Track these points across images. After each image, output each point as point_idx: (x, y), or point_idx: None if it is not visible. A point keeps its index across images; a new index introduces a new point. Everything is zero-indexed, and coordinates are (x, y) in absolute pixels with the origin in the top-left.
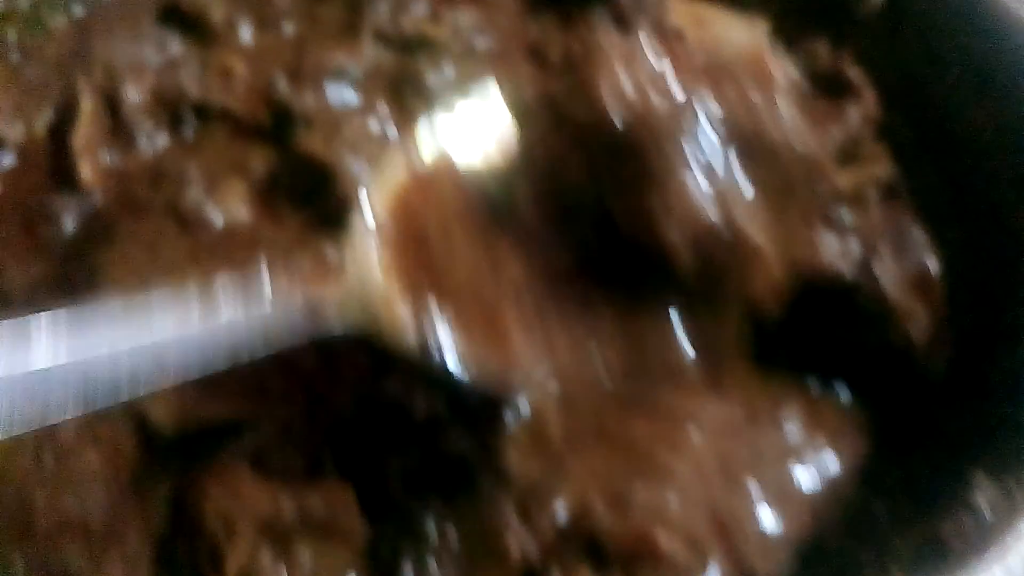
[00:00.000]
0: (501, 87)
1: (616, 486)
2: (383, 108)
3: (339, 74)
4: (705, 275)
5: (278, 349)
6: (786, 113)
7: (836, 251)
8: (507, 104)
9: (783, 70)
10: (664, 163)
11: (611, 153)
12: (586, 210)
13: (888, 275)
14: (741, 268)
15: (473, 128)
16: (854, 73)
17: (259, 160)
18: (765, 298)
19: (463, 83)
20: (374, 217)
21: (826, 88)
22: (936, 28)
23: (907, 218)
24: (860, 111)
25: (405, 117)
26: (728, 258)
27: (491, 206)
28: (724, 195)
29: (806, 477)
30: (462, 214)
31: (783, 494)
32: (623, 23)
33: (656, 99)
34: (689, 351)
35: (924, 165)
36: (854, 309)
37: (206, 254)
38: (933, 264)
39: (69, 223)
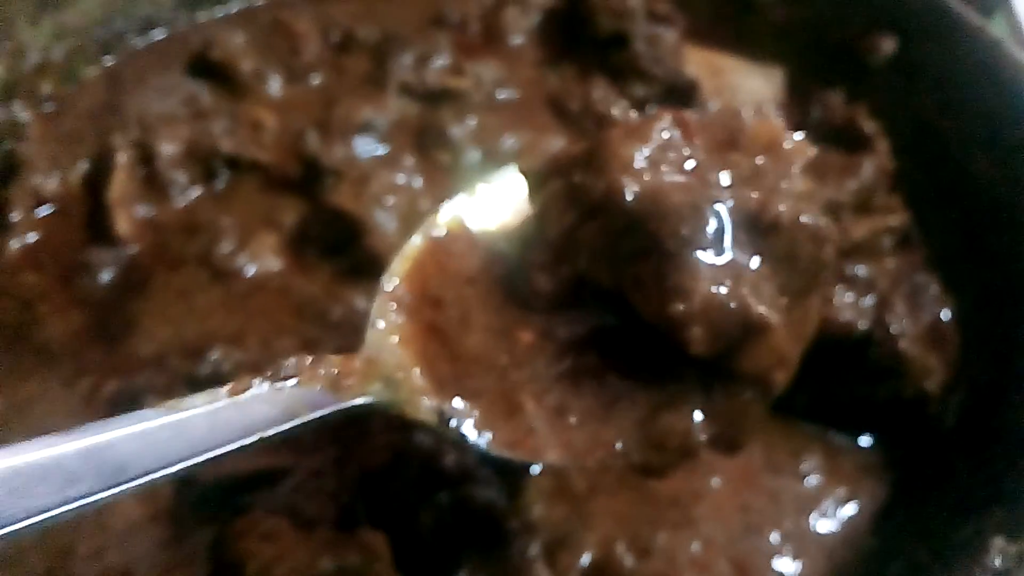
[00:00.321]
0: (519, 157)
1: (639, 532)
2: (408, 160)
3: (366, 127)
4: (716, 349)
5: (304, 424)
6: (795, 187)
7: (850, 306)
8: (524, 174)
9: (799, 145)
10: (673, 239)
11: (622, 227)
12: (600, 282)
13: (901, 330)
14: (750, 342)
15: (491, 198)
16: (868, 125)
17: (290, 212)
18: (774, 371)
19: (486, 134)
20: (394, 292)
21: (841, 139)
22: (949, 79)
23: (921, 268)
24: (874, 163)
25: (430, 168)
26: (737, 332)
27: (508, 276)
28: (731, 270)
29: (825, 525)
30: (480, 286)
31: (802, 541)
32: (639, 74)
33: (667, 175)
34: (705, 424)
35: (938, 214)
36: (868, 363)
37: (238, 303)
38: (946, 315)
39: (106, 274)
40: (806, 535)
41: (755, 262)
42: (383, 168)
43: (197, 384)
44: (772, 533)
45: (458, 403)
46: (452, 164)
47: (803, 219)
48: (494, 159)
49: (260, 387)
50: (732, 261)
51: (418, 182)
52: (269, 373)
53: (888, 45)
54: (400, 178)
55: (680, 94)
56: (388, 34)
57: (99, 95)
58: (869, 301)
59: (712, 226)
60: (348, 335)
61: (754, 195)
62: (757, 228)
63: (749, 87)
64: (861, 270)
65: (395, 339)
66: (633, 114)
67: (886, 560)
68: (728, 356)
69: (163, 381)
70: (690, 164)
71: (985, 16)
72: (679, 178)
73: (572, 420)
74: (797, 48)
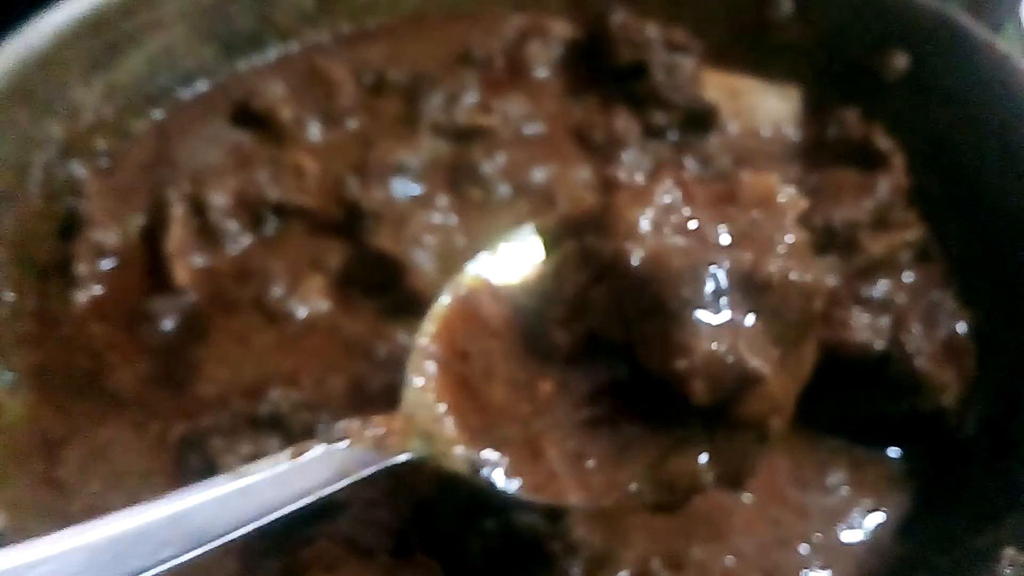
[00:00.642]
0: (536, 222)
1: (673, 547)
2: (443, 199)
3: (401, 168)
4: (716, 399)
5: (352, 482)
6: (788, 240)
7: (867, 326)
8: (539, 232)
9: (791, 199)
10: (675, 300)
11: (629, 288)
12: (612, 338)
13: (917, 348)
14: (747, 392)
15: (511, 256)
16: (884, 142)
17: (334, 255)
18: (770, 416)
19: (515, 169)
20: (426, 349)
21: (857, 156)
22: (960, 94)
23: (938, 282)
24: (890, 180)
25: (463, 205)
26: (735, 384)
27: (528, 330)
28: (728, 327)
29: (852, 535)
30: (503, 339)
31: (830, 552)
32: (659, 102)
33: (669, 237)
34: (710, 465)
35: (955, 227)
36: (886, 380)
37: (291, 344)
38: (962, 328)
39: (168, 322)
40: (834, 546)
41: (750, 318)
42: (419, 208)
43: (258, 424)
44: (801, 545)
45: (488, 453)
46: (484, 200)
47: (792, 277)
48: (524, 193)
49: (316, 450)
50: (729, 319)
51: (453, 220)
52: (324, 436)
53: (901, 61)
54: (436, 217)
55: (699, 119)
56: (418, 74)
57: (150, 148)
58: (885, 321)
59: (710, 287)
60: (393, 371)
61: (747, 256)
62: (751, 287)
63: (767, 107)
64: (877, 291)
65: (430, 396)
66: (638, 176)
67: (910, 569)
68: (728, 404)
69: (226, 422)
70: (691, 225)
71: (995, 31)
72: (680, 240)
73: (590, 464)
74: (813, 67)
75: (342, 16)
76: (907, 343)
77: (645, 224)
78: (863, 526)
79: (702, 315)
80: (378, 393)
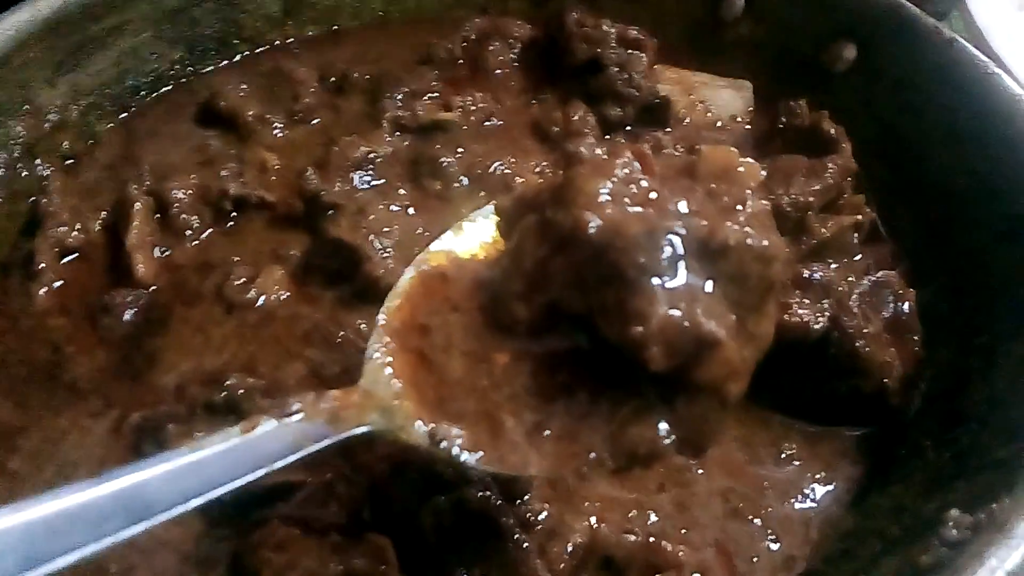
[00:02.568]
0: (496, 202)
1: (627, 520)
2: (402, 190)
3: (362, 162)
4: (674, 365)
5: (307, 455)
6: (749, 209)
7: (807, 308)
8: (498, 211)
9: (750, 168)
10: (632, 267)
11: (588, 257)
12: (571, 308)
13: (857, 329)
14: (704, 357)
15: (474, 234)
16: (832, 129)
17: (295, 245)
18: (728, 381)
19: (474, 162)
20: (387, 325)
21: (808, 144)
22: (907, 80)
23: (886, 263)
24: (839, 164)
25: (423, 197)
26: (691, 349)
27: (488, 304)
28: (685, 293)
29: (804, 507)
30: (463, 313)
31: (783, 523)
32: (615, 97)
33: (627, 207)
34: (669, 432)
35: (903, 209)
36: (828, 361)
37: (250, 333)
38: (908, 307)
39: (128, 313)
40: (787, 517)
41: (708, 285)
42: (379, 199)
43: (214, 410)
44: (755, 518)
45: (446, 426)
46: (443, 191)
47: (749, 242)
48: (482, 184)
49: (268, 424)
50: (686, 285)
51: (412, 210)
52: (276, 410)
53: (849, 53)
54: (395, 208)
55: (654, 113)
56: (380, 74)
57: (115, 148)
58: (827, 303)
59: (667, 253)
60: (352, 357)
61: (703, 223)
62: (708, 253)
63: (721, 101)
64: (820, 273)
65: (388, 370)
66: (599, 151)
67: (862, 537)
68: (685, 370)
69: (184, 410)
70: (651, 195)
71: (940, 18)
72: (638, 210)
73: (549, 434)
74: (764, 62)
75: (308, 20)
76: (847, 324)
77: (604, 195)
78: (815, 498)
79: (658, 281)
80: (335, 378)
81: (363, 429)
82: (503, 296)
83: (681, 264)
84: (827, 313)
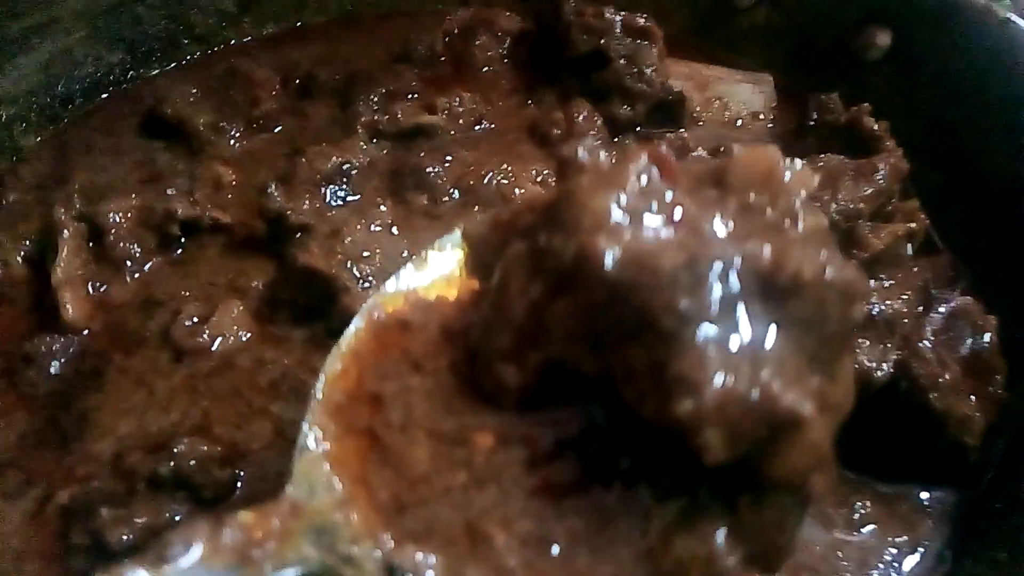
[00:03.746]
0: (465, 227)
1: None
2: (383, 207)
3: (334, 175)
4: (738, 454)
5: None
6: (801, 230)
7: (868, 353)
8: (467, 239)
9: (799, 174)
10: (669, 314)
11: (603, 300)
12: (580, 370)
13: (930, 378)
14: (780, 441)
15: (441, 268)
16: (875, 125)
17: (256, 275)
18: (811, 474)
19: (464, 171)
20: (327, 400)
21: (845, 143)
22: (953, 69)
23: (943, 277)
24: (890, 164)
25: (407, 213)
26: (763, 431)
27: (461, 363)
28: (747, 349)
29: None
30: (426, 375)
31: None
32: (623, 93)
33: (652, 230)
34: (731, 545)
35: (956, 215)
36: (895, 414)
37: (203, 386)
38: (988, 339)
39: (54, 365)
40: None
41: (771, 335)
42: (356, 218)
43: (160, 486)
44: None
45: (409, 549)
46: (431, 207)
47: (830, 274)
48: (476, 198)
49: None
50: (747, 338)
51: (395, 230)
52: (152, 554)
53: (883, 39)
54: (375, 228)
55: (667, 111)
56: (351, 74)
57: (43, 166)
58: (891, 343)
59: (717, 293)
60: None
61: (764, 249)
62: (773, 291)
63: (739, 97)
64: (880, 306)
65: (327, 466)
66: (603, 154)
67: None
68: (754, 461)
69: (122, 486)
70: (677, 213)
71: None
72: (667, 233)
73: (557, 551)
74: (786, 51)
75: (267, 16)
76: (918, 372)
77: (617, 213)
78: (900, 569)
79: (709, 334)
80: None
81: (292, 572)
82: (484, 353)
83: (740, 308)
84: (893, 357)
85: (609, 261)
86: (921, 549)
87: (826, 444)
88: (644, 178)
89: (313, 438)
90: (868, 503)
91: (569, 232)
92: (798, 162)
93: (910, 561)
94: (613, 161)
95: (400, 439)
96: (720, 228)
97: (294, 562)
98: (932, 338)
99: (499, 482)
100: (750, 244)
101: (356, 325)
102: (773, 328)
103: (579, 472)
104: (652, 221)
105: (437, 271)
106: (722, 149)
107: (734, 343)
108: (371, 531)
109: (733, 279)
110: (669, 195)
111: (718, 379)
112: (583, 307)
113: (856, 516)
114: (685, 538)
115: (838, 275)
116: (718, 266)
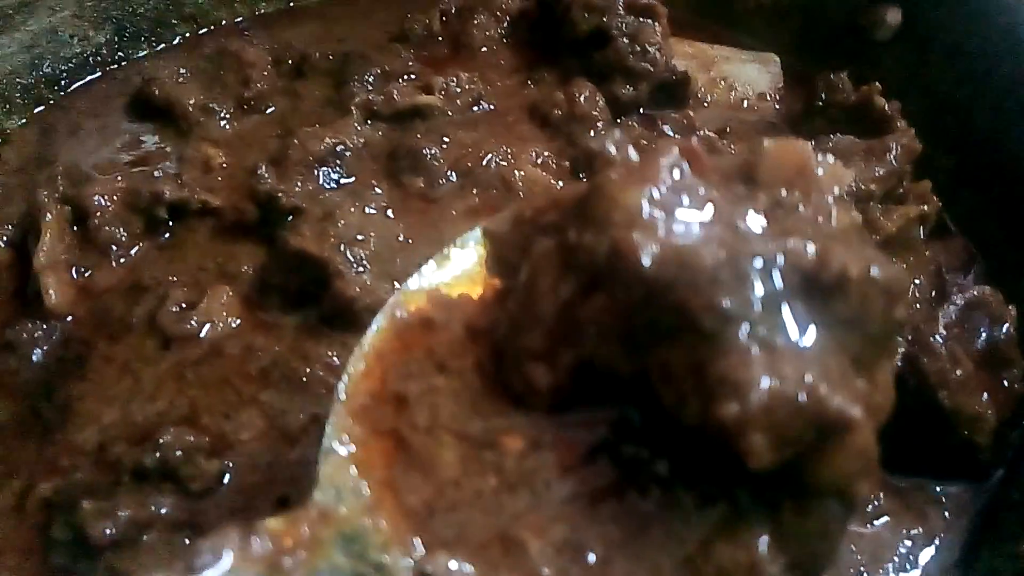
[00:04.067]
0: (487, 225)
1: None
2: (378, 189)
3: (328, 156)
4: (784, 459)
5: None
6: (835, 227)
7: None
8: (492, 237)
9: (833, 169)
10: (711, 313)
11: (639, 299)
12: (615, 371)
13: (941, 376)
14: (828, 447)
15: (462, 262)
16: (886, 104)
17: (246, 260)
18: (858, 480)
19: (462, 153)
20: (352, 401)
21: (856, 124)
22: (966, 48)
23: (956, 261)
24: (902, 144)
25: (403, 196)
26: (811, 435)
27: (489, 367)
28: (792, 350)
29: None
30: (452, 374)
31: None
32: (625, 73)
33: (687, 225)
34: (774, 553)
35: (969, 198)
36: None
37: (191, 373)
38: (1008, 333)
39: (36, 353)
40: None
41: (813, 335)
42: (350, 201)
43: (145, 477)
44: None
45: (443, 556)
46: (428, 190)
47: (875, 271)
48: (475, 181)
49: None
50: (792, 338)
51: (391, 214)
52: (176, 564)
53: (893, 16)
54: (370, 211)
55: (671, 92)
56: (346, 53)
57: (28, 148)
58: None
59: (760, 291)
60: (321, 399)
61: (810, 246)
62: (817, 289)
63: (745, 78)
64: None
65: (354, 470)
66: (631, 149)
67: None
68: (800, 465)
69: (105, 477)
70: (711, 208)
71: None
72: (704, 229)
73: (593, 559)
74: (793, 30)
75: None
76: (928, 368)
77: (651, 209)
78: (916, 562)
79: (753, 333)
80: (301, 429)
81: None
82: (513, 353)
83: (784, 307)
84: (901, 350)
85: (647, 258)
86: (936, 541)
87: (873, 448)
88: (676, 172)
89: (338, 441)
90: (881, 495)
91: (601, 228)
92: (830, 157)
93: (926, 554)
94: (644, 155)
95: (427, 441)
96: (757, 224)
97: (325, 570)
98: (945, 332)
99: (531, 487)
100: (792, 241)
101: (378, 324)
102: (817, 328)
103: (614, 477)
104: (687, 216)
105: (460, 268)
106: (728, 130)
107: (779, 343)
108: (401, 538)
109: (776, 277)
110: (702, 190)
111: (764, 381)
112: (617, 305)
113: (869, 508)
114: (726, 546)
115: (883, 273)
116: (760, 263)
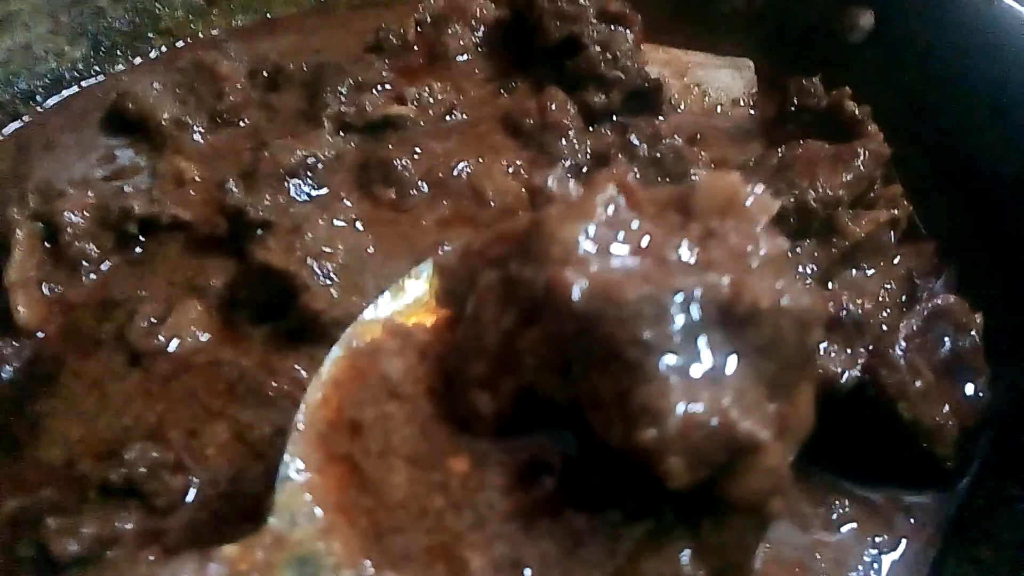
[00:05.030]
0: (437, 259)
1: None
2: (348, 201)
3: (298, 169)
4: (700, 479)
5: None
6: (763, 256)
7: (834, 356)
8: (441, 269)
9: (760, 200)
10: (634, 345)
11: (571, 331)
12: (551, 398)
13: (900, 385)
14: (739, 466)
15: (416, 294)
16: (856, 109)
17: (216, 274)
18: (770, 497)
19: (435, 163)
20: (307, 430)
21: (826, 128)
22: (939, 50)
23: (927, 265)
24: (869, 149)
25: (374, 208)
26: (723, 457)
27: (438, 394)
28: (707, 378)
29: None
30: (404, 401)
31: None
32: (597, 81)
33: (618, 260)
34: (695, 563)
35: (941, 201)
36: (863, 420)
37: (160, 388)
38: (973, 344)
39: (5, 370)
40: None
41: (731, 363)
42: (319, 213)
43: (111, 494)
44: None
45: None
46: (399, 201)
47: (785, 303)
48: (446, 192)
49: None
50: (708, 367)
51: (360, 226)
52: None
53: (866, 20)
54: (339, 223)
55: (644, 98)
56: (320, 65)
57: (4, 164)
58: (861, 347)
59: (679, 324)
60: (287, 412)
61: (723, 279)
62: (731, 320)
63: (719, 83)
64: (849, 307)
65: (308, 496)
66: (572, 185)
67: None
68: (714, 484)
69: (72, 494)
70: (644, 241)
71: None
72: (632, 263)
73: (529, 574)
74: (766, 35)
75: (237, 8)
76: (886, 380)
77: (585, 244)
78: (880, 569)
79: (671, 363)
80: (267, 443)
81: None
82: (459, 380)
83: (701, 338)
84: (860, 362)
85: (576, 293)
86: (901, 548)
87: (784, 468)
88: (611, 208)
89: (294, 468)
90: (846, 502)
91: (539, 263)
92: (759, 187)
93: (888, 560)
94: (581, 190)
95: (379, 466)
96: (684, 255)
97: None
98: (905, 343)
99: (474, 506)
100: (710, 275)
101: (336, 353)
102: (733, 356)
103: (551, 496)
104: (618, 251)
105: (414, 298)
106: (699, 136)
107: (695, 372)
108: (352, 559)
109: (694, 309)
110: (636, 223)
111: (680, 408)
112: (553, 337)
113: (834, 516)
114: (652, 559)
115: (794, 302)
116: (679, 297)
